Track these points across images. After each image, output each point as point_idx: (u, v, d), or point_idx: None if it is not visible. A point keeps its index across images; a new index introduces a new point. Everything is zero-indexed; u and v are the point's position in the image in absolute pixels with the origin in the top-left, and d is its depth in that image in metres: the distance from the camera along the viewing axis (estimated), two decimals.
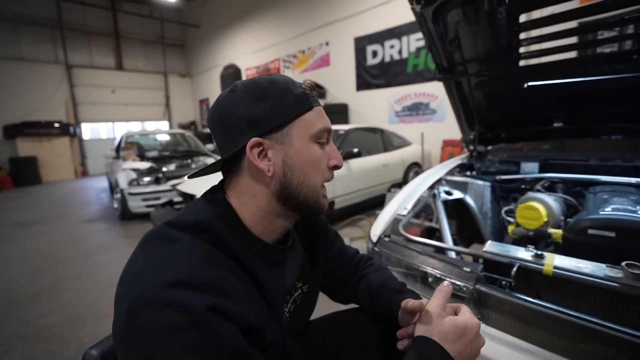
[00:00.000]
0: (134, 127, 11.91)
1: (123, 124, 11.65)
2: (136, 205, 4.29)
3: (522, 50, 1.42)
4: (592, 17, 1.21)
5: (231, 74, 9.69)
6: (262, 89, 0.54)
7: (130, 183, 4.32)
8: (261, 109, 0.53)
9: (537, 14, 1.43)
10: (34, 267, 3.10)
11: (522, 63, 1.49)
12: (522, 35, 1.36)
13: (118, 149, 5.73)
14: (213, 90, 11.28)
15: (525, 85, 1.50)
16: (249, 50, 9.84)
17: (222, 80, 10.00)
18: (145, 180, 4.38)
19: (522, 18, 1.29)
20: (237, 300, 0.46)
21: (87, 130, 11.05)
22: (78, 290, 2.55)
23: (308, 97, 0.55)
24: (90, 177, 10.42)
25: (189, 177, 0.64)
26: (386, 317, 0.72)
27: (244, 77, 10.03)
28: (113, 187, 5.32)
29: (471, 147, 1.99)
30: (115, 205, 4.84)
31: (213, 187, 0.60)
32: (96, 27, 10.96)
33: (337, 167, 0.59)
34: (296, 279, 0.66)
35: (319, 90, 7.10)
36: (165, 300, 0.41)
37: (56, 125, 9.65)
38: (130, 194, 4.28)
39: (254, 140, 0.52)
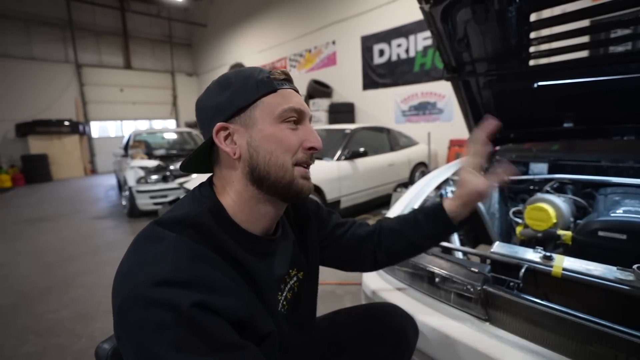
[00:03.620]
0: (142, 125, 12.03)
1: (131, 122, 11.78)
2: (144, 202, 4.35)
3: (532, 49, 1.40)
4: (605, 16, 1.19)
5: None
6: (227, 79, 0.58)
7: (139, 181, 4.37)
8: (225, 95, 0.56)
9: (547, 12, 1.42)
10: (44, 262, 3.16)
11: (531, 63, 1.48)
12: (532, 35, 1.35)
13: (126, 147, 5.80)
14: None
15: (535, 85, 1.49)
16: (256, 49, 9.87)
17: None
18: (153, 178, 4.43)
19: (533, 17, 1.28)
20: (224, 294, 0.47)
21: (96, 129, 11.20)
22: (88, 285, 2.60)
23: (272, 81, 0.57)
24: (99, 174, 10.56)
25: (180, 169, 0.65)
26: (428, 234, 0.75)
27: None
28: (121, 185, 5.39)
29: None
30: (124, 203, 4.90)
31: (202, 182, 0.62)
32: (105, 26, 11.10)
33: (313, 148, 0.58)
34: (289, 268, 0.67)
35: (325, 89, 7.11)
36: (152, 299, 0.42)
37: (66, 123, 9.81)
38: (139, 191, 4.33)
39: (218, 125, 0.55)
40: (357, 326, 0.85)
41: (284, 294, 0.65)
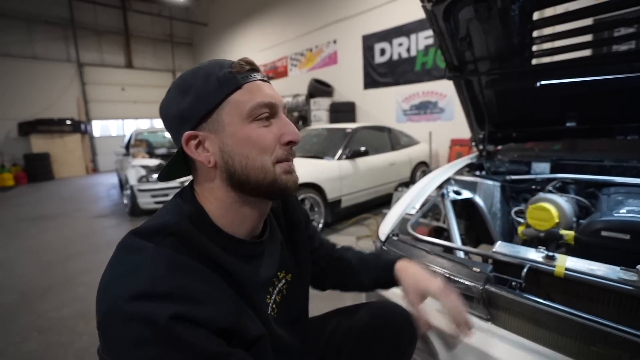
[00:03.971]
0: (143, 124, 12.04)
1: (132, 121, 11.79)
2: (145, 201, 4.36)
3: (534, 48, 1.40)
4: (608, 14, 1.19)
5: None
6: (185, 81, 0.53)
7: (140, 180, 4.38)
8: (187, 101, 0.52)
9: (550, 11, 1.41)
10: (46, 261, 3.17)
11: (534, 61, 1.47)
12: (535, 33, 1.34)
13: (128, 146, 5.81)
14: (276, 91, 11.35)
15: (538, 84, 1.48)
16: (257, 49, 9.86)
17: None
18: (154, 177, 4.44)
19: (536, 15, 1.27)
20: (206, 304, 0.45)
21: (98, 128, 11.20)
22: (89, 284, 2.60)
23: (235, 75, 0.52)
24: (101, 173, 10.58)
25: (158, 179, 0.63)
26: (379, 280, 0.80)
27: None
28: (123, 184, 5.40)
29: (481, 147, 1.97)
30: (125, 202, 4.91)
31: (184, 187, 0.60)
32: (107, 26, 11.09)
33: (292, 142, 0.55)
34: (277, 270, 0.65)
35: (326, 88, 7.10)
36: (130, 314, 0.41)
37: (68, 122, 9.83)
38: (140, 190, 4.34)
39: (186, 134, 0.52)
40: (356, 325, 0.84)
41: (272, 297, 0.64)
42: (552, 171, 1.67)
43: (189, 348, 0.41)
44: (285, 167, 0.56)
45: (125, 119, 11.69)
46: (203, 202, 0.56)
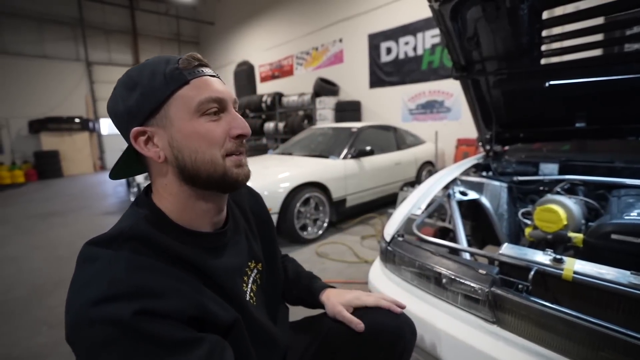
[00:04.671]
0: None
1: None
2: None
3: (543, 48, 1.38)
4: (620, 13, 1.17)
5: (244, 70, 9.77)
6: (131, 78, 0.53)
7: (147, 177, 4.42)
8: (133, 98, 0.52)
9: (560, 10, 1.38)
10: (55, 256, 3.22)
11: (543, 61, 1.45)
12: (544, 33, 1.32)
13: None
14: (227, 86, 11.38)
15: (547, 85, 1.46)
16: (263, 47, 9.88)
17: (235, 77, 10.09)
18: None
19: (545, 15, 1.25)
20: (169, 297, 0.45)
21: (105, 126, 11.33)
22: None
23: (182, 71, 0.52)
24: (108, 170, 10.67)
25: (110, 177, 0.64)
26: (303, 302, 0.88)
27: (257, 74, 10.09)
28: (129, 182, 5.45)
29: (487, 147, 1.95)
30: (132, 199, 4.96)
31: (139, 194, 0.60)
32: (115, 25, 11.21)
33: (242, 135, 0.56)
34: (247, 259, 0.67)
35: (331, 87, 7.09)
36: (92, 319, 0.41)
37: (77, 120, 9.99)
38: None
39: (134, 130, 0.52)
40: (345, 333, 0.81)
41: (249, 286, 0.66)
42: (561, 172, 1.65)
43: (158, 339, 0.42)
44: (236, 160, 0.56)
45: None
46: (160, 202, 0.56)
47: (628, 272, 0.77)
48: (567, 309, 0.71)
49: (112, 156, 10.94)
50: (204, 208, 0.57)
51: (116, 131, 0.58)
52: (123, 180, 7.55)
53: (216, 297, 0.53)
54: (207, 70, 0.55)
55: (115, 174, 0.61)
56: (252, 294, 0.66)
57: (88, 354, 0.41)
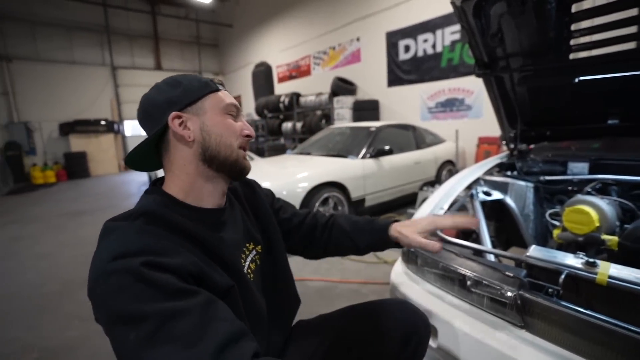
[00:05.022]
0: None
1: None
2: None
3: (572, 42, 1.32)
4: None
5: (262, 71, 9.88)
6: (175, 79, 0.69)
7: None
8: (176, 91, 0.67)
9: (590, 2, 1.32)
10: (84, 253, 3.36)
11: (572, 56, 1.39)
12: (573, 27, 1.27)
13: None
14: (245, 87, 11.54)
15: (576, 80, 1.40)
16: (280, 48, 9.96)
17: (253, 78, 10.22)
18: None
19: (574, 8, 1.20)
20: (171, 256, 0.54)
21: (129, 127, 11.74)
22: None
23: (213, 82, 0.71)
24: (132, 171, 11.09)
25: (125, 164, 0.73)
26: (375, 246, 0.90)
27: (274, 75, 10.19)
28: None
29: (512, 146, 1.89)
30: None
31: (153, 181, 0.72)
32: (138, 30, 11.60)
33: (249, 136, 0.72)
34: (245, 239, 0.77)
35: (349, 86, 7.15)
36: (110, 270, 0.50)
37: (102, 122, 10.43)
38: None
39: (174, 114, 0.65)
40: (365, 322, 0.85)
41: (247, 262, 0.75)
42: (591, 171, 1.57)
43: (161, 286, 0.49)
44: (243, 154, 0.72)
45: None
46: (169, 187, 0.67)
47: None
48: (601, 315, 0.69)
49: None
50: (210, 189, 0.69)
51: (138, 133, 0.65)
52: (147, 181, 7.81)
53: (214, 265, 0.62)
54: (226, 89, 0.74)
55: (130, 161, 0.71)
56: (249, 271, 0.74)
57: (105, 301, 0.49)
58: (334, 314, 0.92)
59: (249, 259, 0.76)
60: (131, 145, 11.56)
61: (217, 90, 0.70)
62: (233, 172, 0.70)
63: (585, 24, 1.26)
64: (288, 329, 0.88)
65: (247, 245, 0.77)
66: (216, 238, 0.65)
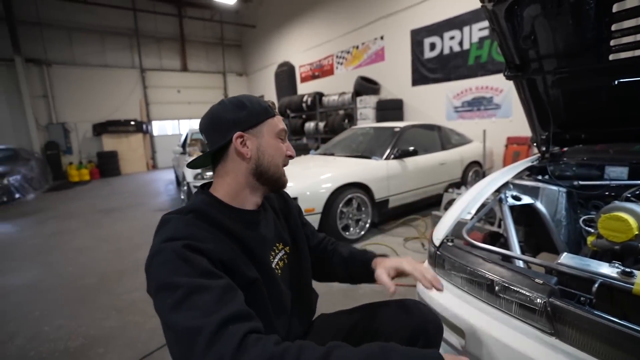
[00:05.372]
0: (196, 124, 12.80)
1: (187, 121, 12.64)
2: None
3: (612, 42, 1.27)
4: None
5: (285, 71, 9.98)
6: (241, 102, 0.80)
7: (196, 177, 4.71)
8: (242, 114, 0.79)
9: (634, 1, 1.26)
10: (118, 248, 3.57)
11: (611, 57, 1.33)
12: (614, 27, 1.22)
13: (184, 145, 6.26)
14: (268, 87, 11.71)
15: (616, 82, 1.34)
16: (303, 48, 10.03)
17: (276, 78, 10.35)
18: (208, 174, 4.74)
19: (615, 7, 1.15)
20: (208, 243, 0.67)
21: (156, 127, 12.18)
22: None
23: (271, 108, 0.83)
24: (159, 170, 11.53)
25: (187, 166, 0.90)
26: (361, 276, 0.98)
27: (297, 75, 10.27)
28: (180, 180, 5.83)
29: (543, 148, 1.84)
30: (182, 197, 5.31)
31: (202, 185, 0.85)
32: (165, 32, 12.04)
33: (291, 156, 0.86)
34: (275, 238, 0.88)
35: (372, 86, 7.12)
36: (160, 248, 0.64)
37: (132, 123, 10.92)
38: (195, 186, 4.66)
39: (238, 133, 0.77)
40: (377, 319, 0.91)
41: (276, 259, 0.86)
42: (631, 176, 1.51)
43: (195, 265, 0.62)
44: (284, 171, 0.85)
45: (181, 119, 12.58)
46: (217, 191, 0.80)
47: None
48: (637, 327, 0.68)
49: (163, 156, 11.78)
50: (251, 197, 0.83)
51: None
52: (173, 179, 8.12)
53: (245, 258, 0.74)
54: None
55: (192, 165, 0.87)
56: (277, 267, 0.86)
57: (154, 273, 0.63)
58: (352, 310, 0.99)
59: (277, 256, 0.87)
60: (159, 145, 12.01)
61: (274, 115, 0.83)
62: (275, 186, 0.85)
63: (629, 23, 1.21)
64: (309, 319, 0.97)
65: (277, 244, 0.89)
66: (250, 235, 0.78)
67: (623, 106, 1.50)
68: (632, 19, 1.18)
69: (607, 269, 0.85)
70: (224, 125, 0.78)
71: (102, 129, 10.50)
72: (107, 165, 10.37)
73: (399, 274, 0.91)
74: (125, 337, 1.97)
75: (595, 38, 1.24)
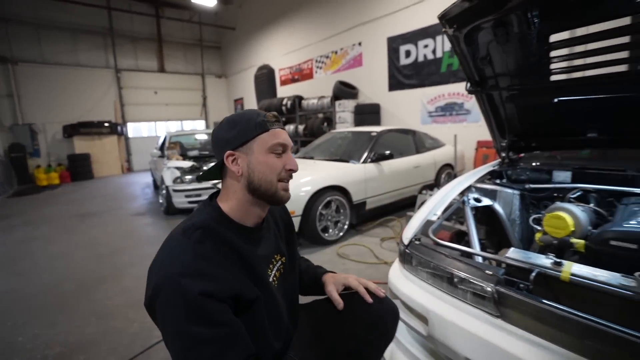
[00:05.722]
0: (173, 126, 12.60)
1: (163, 123, 12.39)
2: (180, 201, 4.63)
3: (552, 66, 1.46)
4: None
5: (265, 74, 10.02)
6: (234, 120, 0.84)
7: (175, 181, 4.67)
8: (232, 132, 0.82)
9: (567, 33, 1.46)
10: (96, 254, 3.51)
11: (553, 78, 1.54)
12: (553, 53, 1.41)
13: (162, 148, 6.17)
14: (247, 90, 11.70)
15: (556, 100, 1.55)
16: (283, 52, 10.11)
17: (256, 81, 10.37)
18: (188, 178, 4.71)
19: (552, 38, 1.34)
20: (221, 281, 0.71)
21: (131, 129, 11.86)
22: (134, 277, 2.87)
23: (266, 123, 0.82)
24: (135, 172, 11.22)
25: (198, 179, 0.97)
26: (311, 289, 1.07)
27: (277, 78, 10.33)
28: (158, 184, 5.74)
29: (503, 154, 2.04)
30: (161, 201, 5.24)
31: (211, 194, 0.89)
32: (142, 32, 11.76)
33: (292, 170, 0.86)
34: (274, 252, 0.92)
35: (351, 90, 7.26)
36: (172, 287, 0.67)
37: (106, 124, 10.57)
38: (175, 190, 4.62)
39: (228, 152, 0.81)
40: (336, 312, 0.97)
41: (273, 271, 0.90)
42: (574, 180, 1.72)
43: (208, 314, 0.67)
44: (283, 186, 0.85)
45: (158, 120, 12.31)
46: (225, 202, 0.84)
47: (619, 275, 0.87)
48: (561, 306, 0.83)
49: (139, 158, 11.50)
50: (253, 211, 0.86)
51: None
52: (150, 182, 7.96)
53: (246, 280, 0.77)
54: (278, 125, 0.86)
55: (202, 178, 0.92)
56: (274, 278, 0.90)
57: (162, 312, 0.68)
58: (326, 299, 1.03)
59: (275, 268, 0.91)
60: (134, 147, 11.71)
61: (267, 130, 0.82)
62: (272, 201, 0.86)
63: (565, 51, 1.41)
64: (296, 323, 1.02)
65: (275, 257, 0.93)
66: (253, 253, 0.83)
67: (564, 120, 1.71)
68: (565, 48, 1.38)
69: (544, 260, 1.01)
70: (220, 144, 0.83)
71: (73, 130, 10.09)
72: (79, 168, 9.97)
73: (347, 288, 1.01)
74: (106, 343, 1.96)
75: (538, 62, 1.43)
